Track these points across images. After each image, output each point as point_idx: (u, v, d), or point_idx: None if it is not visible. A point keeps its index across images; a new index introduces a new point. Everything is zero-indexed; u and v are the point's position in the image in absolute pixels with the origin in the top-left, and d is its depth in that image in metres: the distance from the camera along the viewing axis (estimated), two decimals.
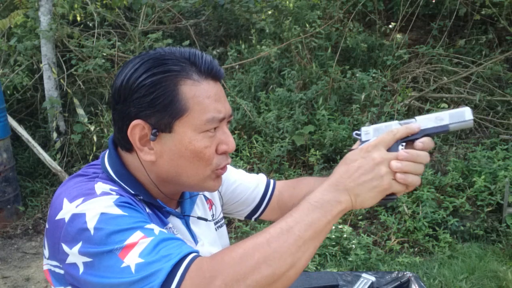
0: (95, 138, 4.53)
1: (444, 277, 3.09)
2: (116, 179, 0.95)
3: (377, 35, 5.30)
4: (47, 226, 0.92)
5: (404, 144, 0.88)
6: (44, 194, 4.50)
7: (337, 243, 3.34)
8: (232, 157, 3.98)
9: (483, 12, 5.19)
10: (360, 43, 5.04)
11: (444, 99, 4.59)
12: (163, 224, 0.99)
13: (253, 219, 1.30)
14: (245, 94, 4.71)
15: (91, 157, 4.52)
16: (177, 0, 5.36)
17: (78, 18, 5.26)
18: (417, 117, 0.90)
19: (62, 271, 0.89)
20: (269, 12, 5.53)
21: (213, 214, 1.18)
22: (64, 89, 4.79)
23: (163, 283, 0.75)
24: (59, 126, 4.79)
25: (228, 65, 4.84)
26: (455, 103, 4.54)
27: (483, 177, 3.61)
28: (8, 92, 4.75)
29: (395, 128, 0.89)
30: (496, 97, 4.59)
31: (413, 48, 5.13)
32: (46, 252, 0.94)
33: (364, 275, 1.74)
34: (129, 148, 0.96)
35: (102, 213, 0.83)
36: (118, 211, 0.84)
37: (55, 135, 4.73)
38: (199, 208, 1.14)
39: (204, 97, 0.91)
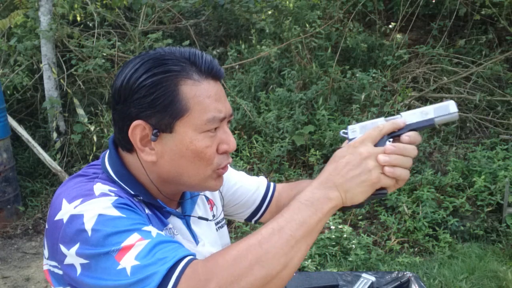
0: (95, 138, 4.53)
1: (444, 277, 3.09)
2: (116, 179, 0.95)
3: (377, 35, 5.30)
4: (46, 226, 0.92)
5: (391, 140, 0.89)
6: (44, 194, 4.49)
7: (337, 243, 3.34)
8: (232, 157, 3.97)
9: (483, 12, 5.19)
10: (360, 43, 5.04)
11: (444, 99, 4.58)
12: (163, 224, 0.99)
13: (253, 221, 1.31)
14: (245, 94, 4.71)
15: (91, 157, 4.52)
16: (177, 0, 5.36)
17: (78, 18, 5.26)
18: (403, 113, 0.91)
19: (61, 272, 0.89)
20: (269, 12, 5.53)
21: (214, 214, 1.18)
22: (64, 89, 4.79)
23: (158, 286, 0.75)
24: (59, 126, 4.79)
25: (228, 65, 4.84)
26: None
27: (483, 177, 3.61)
28: (8, 92, 4.75)
29: (381, 124, 0.89)
30: (496, 97, 4.59)
31: (413, 48, 5.13)
32: (45, 252, 0.94)
33: (364, 275, 1.75)
34: (130, 148, 0.96)
35: (100, 215, 0.83)
36: (116, 212, 0.84)
37: (55, 135, 4.73)
38: (200, 208, 1.14)
39: (204, 97, 0.91)
